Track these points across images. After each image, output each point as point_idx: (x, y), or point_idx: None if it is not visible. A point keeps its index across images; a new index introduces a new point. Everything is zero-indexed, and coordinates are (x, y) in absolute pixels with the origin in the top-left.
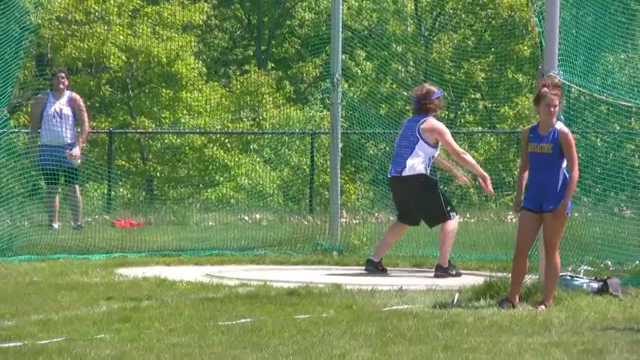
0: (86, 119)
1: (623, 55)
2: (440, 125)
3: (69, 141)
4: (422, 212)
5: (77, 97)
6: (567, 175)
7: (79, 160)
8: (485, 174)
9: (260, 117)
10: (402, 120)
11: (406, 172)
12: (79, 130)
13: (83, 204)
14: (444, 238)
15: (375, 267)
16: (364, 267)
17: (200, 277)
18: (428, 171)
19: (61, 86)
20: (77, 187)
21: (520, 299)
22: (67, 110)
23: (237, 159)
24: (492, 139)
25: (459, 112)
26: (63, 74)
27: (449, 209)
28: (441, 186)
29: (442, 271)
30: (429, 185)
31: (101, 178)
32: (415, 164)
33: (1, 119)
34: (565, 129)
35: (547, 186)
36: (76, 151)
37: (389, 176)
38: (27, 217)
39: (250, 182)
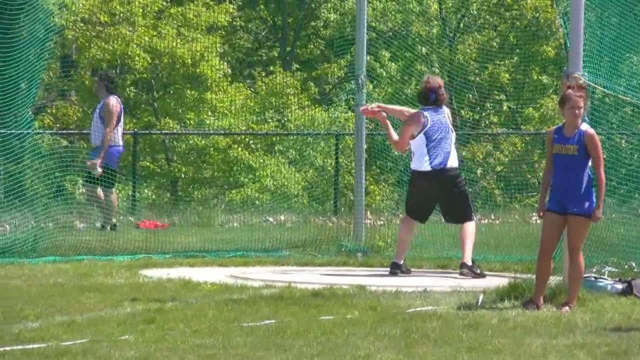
0: (109, 124)
1: None
2: None
3: (94, 145)
4: (450, 206)
5: (109, 101)
6: (591, 176)
7: (99, 169)
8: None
9: (285, 119)
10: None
11: (450, 164)
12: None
13: (116, 207)
14: (465, 237)
15: (399, 269)
16: (388, 270)
17: (225, 279)
18: None
19: (95, 90)
20: (113, 190)
21: (544, 301)
22: (97, 114)
23: (261, 160)
24: (516, 140)
25: (484, 114)
26: (95, 78)
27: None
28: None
29: (467, 268)
30: (462, 181)
31: (126, 179)
32: (455, 156)
33: (26, 120)
34: (591, 130)
35: (571, 187)
36: (94, 162)
37: (429, 169)
38: (51, 218)
39: (274, 184)
